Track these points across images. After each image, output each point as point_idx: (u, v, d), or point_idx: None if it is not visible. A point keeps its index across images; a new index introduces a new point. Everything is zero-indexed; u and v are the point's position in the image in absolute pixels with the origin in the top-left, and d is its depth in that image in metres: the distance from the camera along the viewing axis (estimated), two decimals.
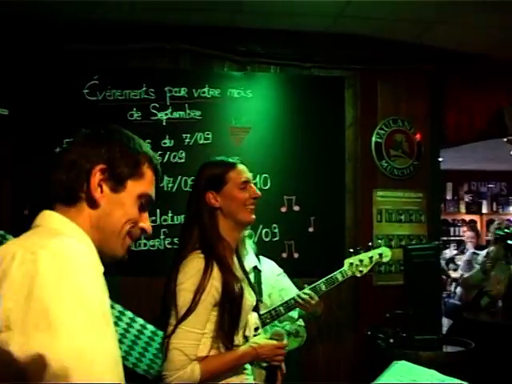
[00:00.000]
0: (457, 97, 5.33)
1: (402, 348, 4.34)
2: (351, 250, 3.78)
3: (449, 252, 8.08)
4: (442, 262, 7.15)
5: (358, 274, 3.71)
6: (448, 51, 5.25)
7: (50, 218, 1.46)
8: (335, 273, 3.65)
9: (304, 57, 5.02)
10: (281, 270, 3.96)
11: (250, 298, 2.47)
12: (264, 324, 3.40)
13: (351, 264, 3.68)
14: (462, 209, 11.65)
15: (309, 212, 4.92)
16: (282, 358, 2.54)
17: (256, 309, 2.59)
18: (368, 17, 4.69)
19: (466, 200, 11.73)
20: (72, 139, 1.57)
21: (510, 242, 3.85)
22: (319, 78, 5.08)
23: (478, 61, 5.39)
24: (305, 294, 3.53)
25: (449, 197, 11.71)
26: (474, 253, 7.11)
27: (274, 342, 2.51)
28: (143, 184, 1.55)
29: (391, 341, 4.47)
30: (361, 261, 3.69)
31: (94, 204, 1.47)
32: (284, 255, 4.85)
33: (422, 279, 4.38)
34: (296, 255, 4.88)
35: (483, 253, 6.71)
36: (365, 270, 3.71)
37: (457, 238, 10.08)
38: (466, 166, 11.47)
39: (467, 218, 11.34)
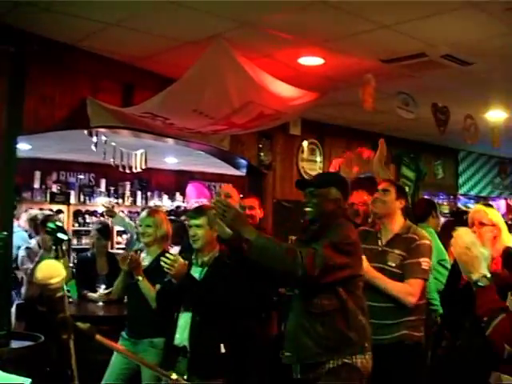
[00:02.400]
0: (39, 83, 5.22)
1: None
2: None
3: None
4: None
5: None
6: (33, 36, 5.09)
7: None
8: None
9: None
10: None
11: None
12: None
13: None
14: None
15: None
16: None
17: None
18: None
19: (54, 190, 11.66)
20: None
21: (59, 235, 3.89)
22: None
23: (66, 50, 5.37)
24: None
25: (37, 186, 11.52)
26: (27, 247, 6.54)
27: None
28: None
29: None
30: None
31: None
32: None
33: None
34: None
35: (34, 245, 6.52)
36: None
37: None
38: (55, 156, 11.46)
39: (54, 207, 11.26)
